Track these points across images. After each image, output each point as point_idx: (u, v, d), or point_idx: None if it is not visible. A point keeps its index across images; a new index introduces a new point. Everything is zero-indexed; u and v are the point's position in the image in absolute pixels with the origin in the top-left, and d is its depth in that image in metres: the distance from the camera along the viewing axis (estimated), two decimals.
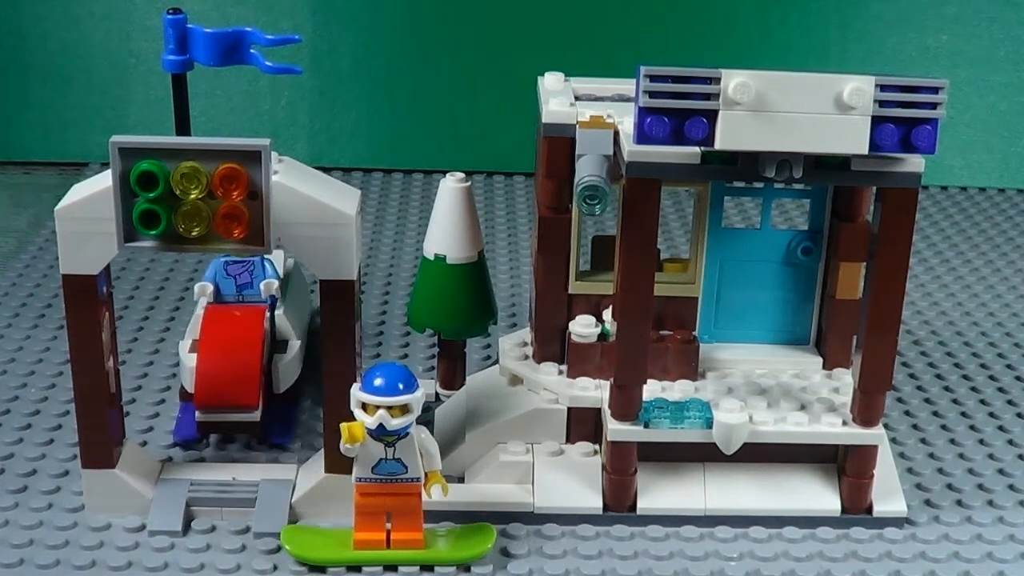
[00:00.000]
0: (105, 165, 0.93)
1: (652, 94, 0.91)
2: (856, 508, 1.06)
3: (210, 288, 1.16)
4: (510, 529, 1.04)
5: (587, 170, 1.00)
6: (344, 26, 1.85)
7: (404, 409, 0.95)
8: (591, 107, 1.07)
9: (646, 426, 1.03)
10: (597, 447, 1.09)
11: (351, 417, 0.96)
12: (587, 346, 1.09)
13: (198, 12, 1.57)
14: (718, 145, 0.92)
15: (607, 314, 1.10)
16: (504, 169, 1.89)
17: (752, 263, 1.10)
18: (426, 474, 0.98)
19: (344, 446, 0.96)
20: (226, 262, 1.17)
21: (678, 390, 1.07)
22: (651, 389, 1.06)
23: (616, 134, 1.02)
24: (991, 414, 1.25)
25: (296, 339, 1.20)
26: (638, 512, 1.05)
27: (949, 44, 1.87)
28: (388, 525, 0.99)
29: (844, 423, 1.04)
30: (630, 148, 0.95)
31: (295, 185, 0.96)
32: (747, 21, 1.85)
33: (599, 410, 1.07)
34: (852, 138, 0.92)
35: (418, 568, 0.99)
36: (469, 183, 1.14)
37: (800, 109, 0.91)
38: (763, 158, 0.94)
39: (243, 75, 1.80)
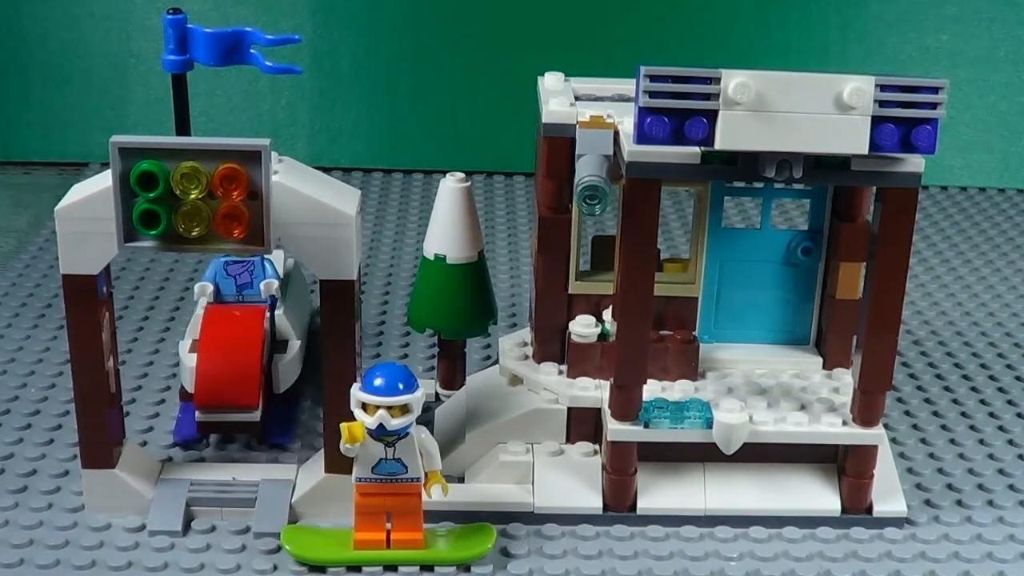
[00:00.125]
0: (105, 165, 0.93)
1: (652, 94, 0.91)
2: (856, 508, 1.06)
3: (210, 288, 1.16)
4: (510, 529, 1.04)
5: (587, 170, 1.00)
6: (344, 26, 1.85)
7: (404, 409, 0.95)
8: (591, 107, 1.06)
9: (646, 426, 1.03)
10: (597, 447, 1.09)
11: (351, 417, 0.96)
12: (587, 346, 1.09)
13: (198, 12, 1.57)
14: (718, 145, 0.92)
15: (607, 314, 1.10)
16: (504, 169, 1.89)
17: (752, 263, 1.10)
18: (426, 474, 0.98)
19: (344, 446, 0.96)
20: (226, 262, 1.17)
21: (678, 390, 1.07)
22: (651, 389, 1.06)
23: (616, 134, 1.02)
24: (991, 414, 1.25)
25: (296, 339, 1.20)
26: (638, 512, 1.05)
27: (949, 44, 1.87)
28: (388, 525, 0.99)
29: (844, 423, 1.04)
30: (630, 148, 0.95)
31: (295, 185, 0.96)
32: (747, 21, 1.85)
33: (599, 410, 1.07)
34: (852, 138, 0.92)
35: (418, 568, 0.99)
36: (469, 183, 1.14)
37: (800, 109, 0.91)
38: (763, 158, 0.94)
39: (243, 75, 1.80)
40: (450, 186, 1.13)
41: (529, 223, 1.69)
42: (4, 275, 1.51)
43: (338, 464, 1.01)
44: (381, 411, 0.94)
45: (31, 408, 1.20)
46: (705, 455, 1.05)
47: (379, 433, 0.95)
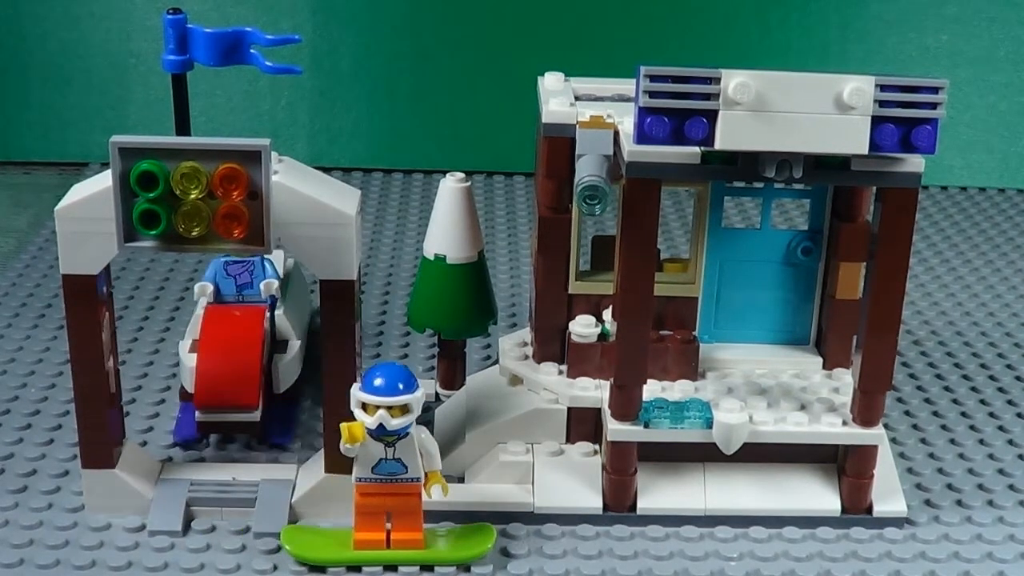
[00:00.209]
0: (105, 165, 0.93)
1: (652, 94, 0.91)
2: (856, 508, 1.06)
3: (210, 288, 1.16)
4: (510, 529, 1.04)
5: (587, 170, 1.00)
6: (344, 26, 1.85)
7: (404, 409, 0.95)
8: (591, 107, 1.06)
9: (646, 426, 1.03)
10: (597, 447, 1.08)
11: (351, 417, 0.96)
12: (587, 346, 1.09)
13: (198, 12, 1.57)
14: (718, 145, 0.92)
15: (607, 314, 1.10)
16: (504, 169, 1.89)
17: (752, 263, 1.10)
18: (426, 474, 0.98)
19: (344, 446, 0.96)
20: (226, 262, 1.17)
21: (678, 390, 1.07)
22: (651, 389, 1.06)
23: (616, 134, 1.02)
24: (991, 414, 1.25)
25: (296, 339, 1.20)
26: (638, 512, 1.05)
27: (949, 44, 1.87)
28: (388, 525, 0.99)
29: (844, 423, 1.04)
30: (630, 148, 0.95)
31: (295, 185, 0.96)
32: (747, 21, 1.85)
33: (599, 410, 1.07)
34: (852, 138, 0.92)
35: (418, 568, 0.99)
36: (469, 183, 1.13)
37: (800, 109, 0.91)
38: (763, 158, 0.94)
39: (243, 75, 1.80)
40: (450, 186, 1.13)
41: (529, 223, 1.69)
42: (4, 275, 1.51)
43: (338, 464, 1.01)
44: (381, 411, 0.94)
45: (31, 408, 1.20)
46: (705, 455, 1.05)
47: (379, 433, 0.95)
